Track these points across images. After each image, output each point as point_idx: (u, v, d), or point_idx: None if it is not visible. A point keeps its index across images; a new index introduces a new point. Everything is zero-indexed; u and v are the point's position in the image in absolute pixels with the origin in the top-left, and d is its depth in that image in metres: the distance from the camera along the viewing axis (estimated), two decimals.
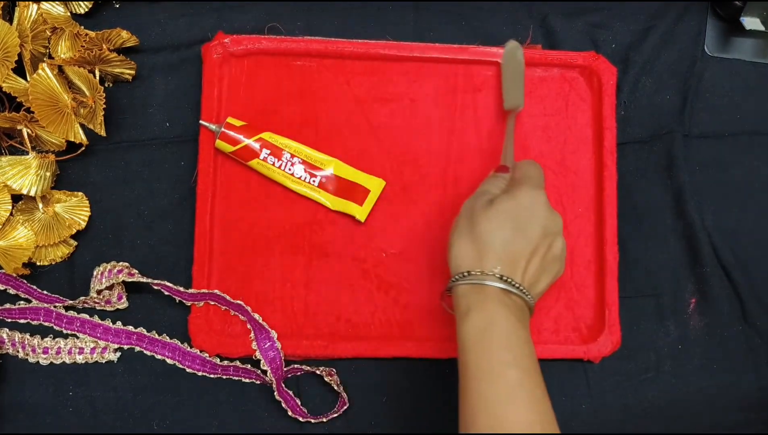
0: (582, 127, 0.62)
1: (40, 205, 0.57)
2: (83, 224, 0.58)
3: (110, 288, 0.57)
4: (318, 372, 0.58)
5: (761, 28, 0.63)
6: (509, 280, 0.47)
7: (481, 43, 0.62)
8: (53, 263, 0.58)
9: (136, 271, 0.57)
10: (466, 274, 0.48)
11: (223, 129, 0.58)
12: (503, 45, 0.61)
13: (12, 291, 0.58)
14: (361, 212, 0.59)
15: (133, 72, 0.60)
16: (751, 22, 0.63)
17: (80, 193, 0.59)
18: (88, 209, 0.58)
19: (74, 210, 0.58)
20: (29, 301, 0.58)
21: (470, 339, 0.45)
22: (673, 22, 0.64)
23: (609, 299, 0.60)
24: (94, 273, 0.57)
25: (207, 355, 0.58)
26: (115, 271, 0.57)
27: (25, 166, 0.55)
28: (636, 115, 0.63)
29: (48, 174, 0.56)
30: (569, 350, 0.60)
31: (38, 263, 0.58)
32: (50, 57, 0.58)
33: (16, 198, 0.57)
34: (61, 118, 0.55)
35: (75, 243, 0.58)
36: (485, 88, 0.62)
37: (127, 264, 0.57)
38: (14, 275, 0.57)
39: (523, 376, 0.44)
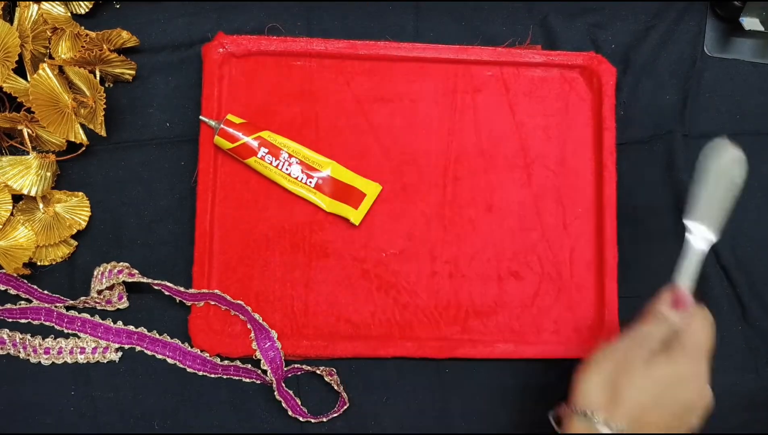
0: (582, 127, 0.62)
1: (41, 205, 0.57)
2: (83, 224, 0.58)
3: (111, 288, 0.57)
4: (318, 372, 0.58)
5: (761, 28, 0.63)
6: None
7: (481, 44, 0.62)
8: (54, 263, 0.58)
9: (136, 271, 0.57)
10: (590, 413, 0.45)
11: (222, 125, 0.58)
12: (504, 45, 0.61)
13: (12, 291, 0.58)
14: (356, 216, 0.59)
15: (133, 72, 0.60)
16: (750, 23, 0.63)
17: (80, 193, 0.59)
18: (89, 209, 0.59)
19: (74, 210, 0.58)
20: (30, 301, 0.58)
21: None
22: (672, 23, 0.64)
23: (609, 299, 0.60)
24: (95, 273, 0.57)
25: (207, 355, 0.58)
26: (116, 271, 0.57)
27: (25, 166, 0.55)
28: (636, 115, 0.63)
29: (48, 174, 0.56)
30: (569, 350, 0.60)
31: (39, 263, 0.58)
32: (50, 57, 0.58)
33: (17, 198, 0.57)
34: (62, 118, 0.55)
35: (75, 243, 0.58)
36: (485, 89, 0.62)
37: (127, 264, 0.58)
38: (15, 275, 0.57)
39: None
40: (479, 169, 0.61)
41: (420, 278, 0.59)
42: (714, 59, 0.65)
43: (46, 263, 0.58)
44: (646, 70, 0.64)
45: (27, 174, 0.55)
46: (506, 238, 0.60)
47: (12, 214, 0.56)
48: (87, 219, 0.58)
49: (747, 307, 0.62)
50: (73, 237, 0.58)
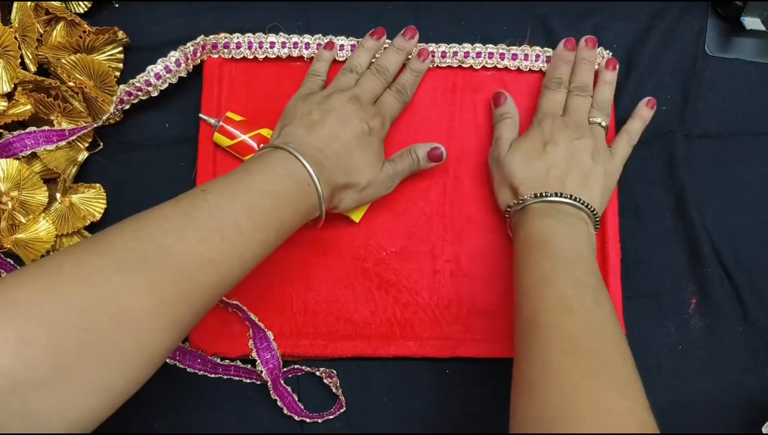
0: None
1: (58, 196, 0.57)
2: (98, 216, 0.58)
3: None
4: (318, 373, 0.58)
5: (762, 27, 0.63)
6: (544, 193, 0.53)
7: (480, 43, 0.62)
8: None
9: None
10: (508, 207, 0.56)
11: (221, 123, 0.58)
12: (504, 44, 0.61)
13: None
14: (356, 213, 0.59)
15: (117, 73, 0.60)
16: (751, 22, 0.63)
17: (98, 185, 0.59)
18: (105, 201, 0.58)
19: (90, 202, 0.58)
20: None
21: (517, 249, 0.52)
22: (673, 22, 0.64)
23: (612, 298, 0.59)
24: None
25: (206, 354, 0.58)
26: None
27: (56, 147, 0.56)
28: None
29: (78, 157, 0.57)
30: None
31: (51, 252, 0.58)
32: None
33: None
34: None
35: (89, 235, 0.58)
36: (484, 89, 0.62)
37: None
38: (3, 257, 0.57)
39: (556, 264, 0.49)
40: (479, 168, 0.61)
41: (421, 277, 0.59)
42: (715, 59, 0.64)
43: None
44: (646, 70, 0.63)
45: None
46: (507, 237, 0.60)
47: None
48: (102, 211, 0.58)
49: (748, 307, 0.62)
50: (86, 229, 0.58)
